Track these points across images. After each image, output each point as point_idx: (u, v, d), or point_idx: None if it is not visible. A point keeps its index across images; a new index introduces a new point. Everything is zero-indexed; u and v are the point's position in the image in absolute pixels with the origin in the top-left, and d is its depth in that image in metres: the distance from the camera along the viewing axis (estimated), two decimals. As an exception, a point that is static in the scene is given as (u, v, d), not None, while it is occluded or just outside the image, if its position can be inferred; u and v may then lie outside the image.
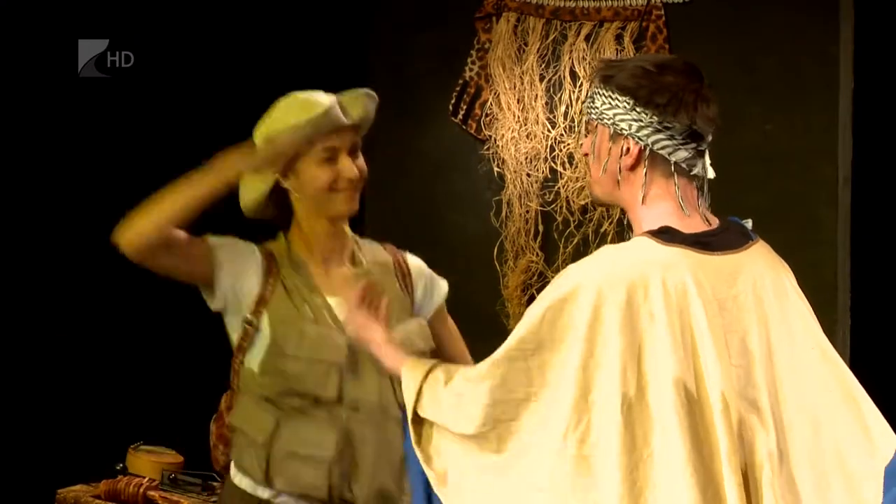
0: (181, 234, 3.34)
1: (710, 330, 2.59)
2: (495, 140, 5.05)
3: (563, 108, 4.94)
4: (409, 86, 5.31)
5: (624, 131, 2.73)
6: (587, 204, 4.93)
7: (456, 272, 4.91)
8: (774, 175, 4.66)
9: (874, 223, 4.78)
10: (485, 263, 5.11)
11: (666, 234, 2.69)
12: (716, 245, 2.72)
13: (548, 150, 4.97)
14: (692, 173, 2.75)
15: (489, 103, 5.08)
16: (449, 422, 2.78)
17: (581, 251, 4.89)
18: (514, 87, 5.00)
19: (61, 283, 5.17)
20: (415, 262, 3.66)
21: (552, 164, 4.97)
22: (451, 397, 2.79)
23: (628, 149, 2.73)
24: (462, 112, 5.14)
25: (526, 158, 4.99)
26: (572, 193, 4.94)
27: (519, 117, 5.00)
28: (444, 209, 5.28)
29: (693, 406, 2.56)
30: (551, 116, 4.96)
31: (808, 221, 4.60)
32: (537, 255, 5.02)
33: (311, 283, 3.47)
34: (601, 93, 2.79)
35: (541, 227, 5.02)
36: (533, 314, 2.66)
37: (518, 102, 4.99)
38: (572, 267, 2.69)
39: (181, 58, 5.26)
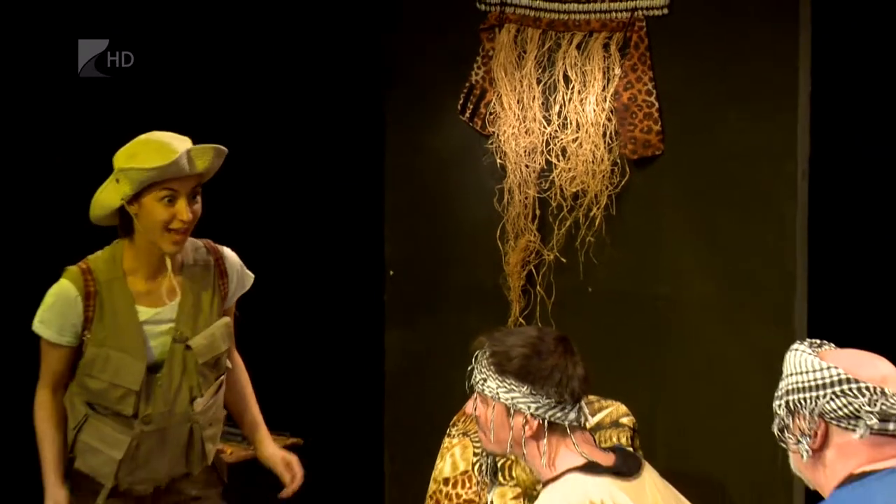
0: (57, 402, 3.72)
1: None
2: (498, 135, 5.07)
3: (557, 107, 4.95)
4: (422, 88, 5.35)
5: (524, 410, 3.01)
6: (578, 191, 4.95)
7: (464, 251, 5.31)
8: (741, 169, 4.70)
9: (830, 213, 4.82)
10: (489, 243, 5.16)
11: (590, 468, 3.00)
12: (628, 472, 3.04)
13: (544, 144, 5.00)
14: (583, 425, 3.06)
15: (492, 103, 5.07)
16: None
17: (573, 232, 4.98)
18: (515, 89, 5.01)
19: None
20: (230, 258, 3.87)
21: (547, 157, 5.00)
22: None
23: (526, 421, 3.01)
24: (469, 111, 5.17)
25: (525, 151, 5.02)
26: (565, 182, 4.97)
27: (518, 115, 5.01)
28: (453, 196, 5.33)
29: None
30: (547, 115, 4.98)
31: (771, 211, 4.67)
32: (535, 235, 5.07)
33: (130, 297, 3.68)
34: (495, 377, 3.03)
35: (538, 212, 5.06)
36: None
37: (518, 103, 5.01)
38: None
39: (181, 58, 5.07)
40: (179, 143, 3.56)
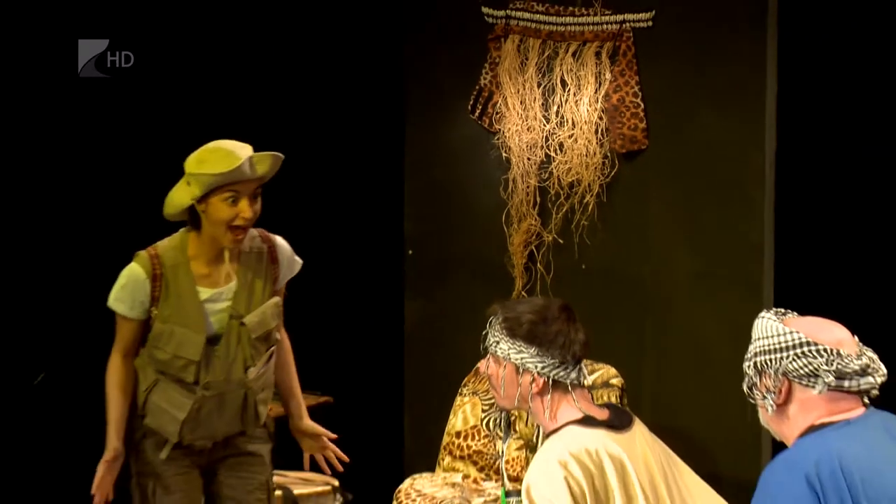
0: (129, 366, 3.88)
1: (641, 486, 3.08)
2: (503, 132, 5.22)
3: (555, 108, 5.10)
4: (437, 90, 5.51)
5: (532, 369, 3.13)
6: (573, 181, 5.10)
7: (473, 232, 5.48)
8: (716, 161, 4.88)
9: (794, 198, 4.97)
10: (495, 226, 5.32)
11: (587, 421, 3.13)
12: (620, 425, 3.16)
13: (543, 139, 5.15)
14: (582, 384, 3.18)
15: (498, 104, 5.21)
16: None
17: (569, 217, 5.15)
18: (518, 92, 5.14)
19: (62, 282, 4.88)
20: (281, 246, 4.00)
21: (546, 151, 5.16)
22: None
23: (533, 379, 3.13)
24: (478, 111, 5.32)
25: (527, 146, 5.17)
26: (562, 173, 5.13)
27: (521, 115, 5.14)
28: (464, 185, 5.47)
29: None
30: (546, 114, 5.13)
31: (742, 197, 4.85)
32: (535, 219, 5.22)
33: (192, 280, 3.84)
34: (506, 339, 3.14)
35: (538, 199, 5.21)
36: None
37: (521, 104, 5.14)
38: (541, 467, 3.05)
39: (181, 58, 4.97)
40: (242, 151, 3.72)
